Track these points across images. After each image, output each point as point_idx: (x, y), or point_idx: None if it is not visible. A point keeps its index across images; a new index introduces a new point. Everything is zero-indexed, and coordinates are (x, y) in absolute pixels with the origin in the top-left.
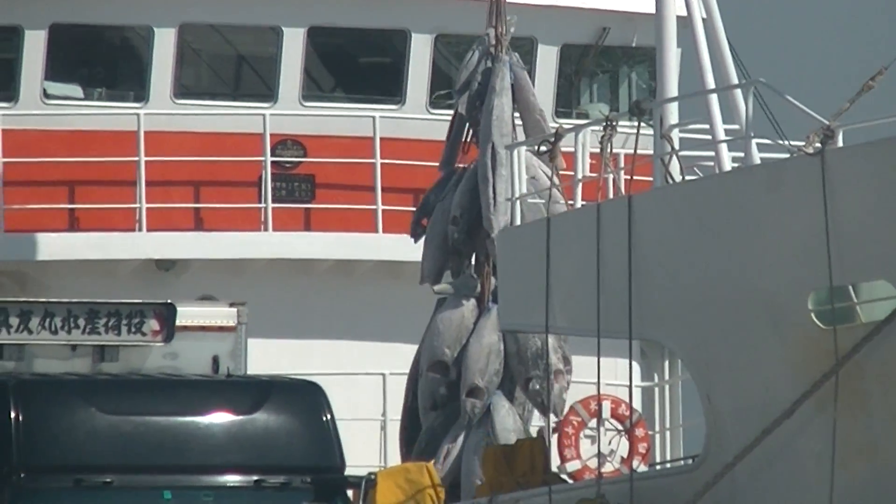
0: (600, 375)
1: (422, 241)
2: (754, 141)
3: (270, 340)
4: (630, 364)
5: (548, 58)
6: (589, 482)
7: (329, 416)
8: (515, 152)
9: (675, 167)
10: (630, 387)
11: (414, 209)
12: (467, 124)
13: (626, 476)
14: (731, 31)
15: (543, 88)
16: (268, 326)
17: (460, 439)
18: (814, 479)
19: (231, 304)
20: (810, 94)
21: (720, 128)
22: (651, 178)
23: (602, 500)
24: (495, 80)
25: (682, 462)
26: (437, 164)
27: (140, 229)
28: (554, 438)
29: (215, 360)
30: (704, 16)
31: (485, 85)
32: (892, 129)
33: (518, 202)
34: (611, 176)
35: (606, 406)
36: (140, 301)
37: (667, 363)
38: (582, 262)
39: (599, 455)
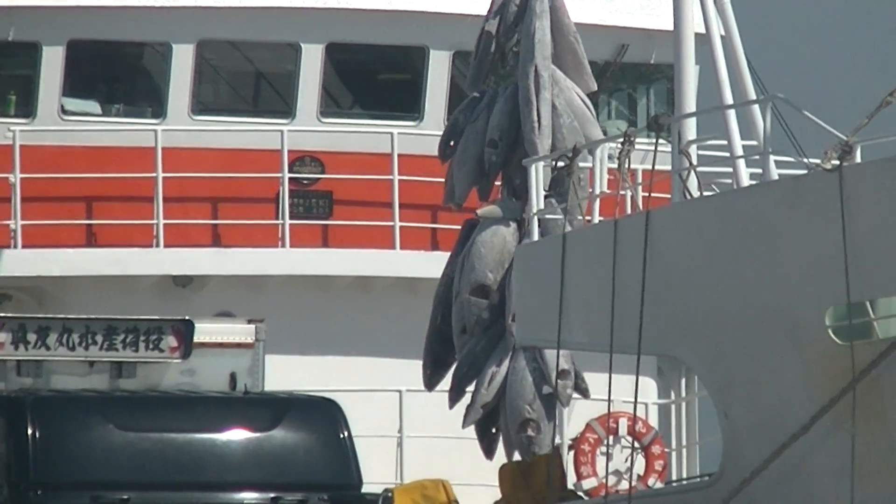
0: (611, 392)
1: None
2: (772, 157)
3: (288, 357)
4: (637, 380)
5: None
6: (599, 500)
7: (346, 433)
8: (533, 168)
9: (692, 183)
10: (635, 403)
11: (431, 226)
12: (494, 45)
13: (640, 492)
14: (749, 48)
15: None
16: (285, 343)
17: (505, 363)
18: (833, 496)
19: (249, 321)
20: (829, 109)
21: (738, 144)
22: (669, 195)
23: None
24: (535, 2)
25: (698, 479)
26: None
27: (157, 245)
28: (570, 455)
29: (233, 377)
30: (723, 32)
31: (522, 7)
32: None
33: (535, 217)
34: (628, 192)
35: (623, 423)
36: (158, 317)
37: (684, 380)
38: (598, 279)
39: (608, 473)
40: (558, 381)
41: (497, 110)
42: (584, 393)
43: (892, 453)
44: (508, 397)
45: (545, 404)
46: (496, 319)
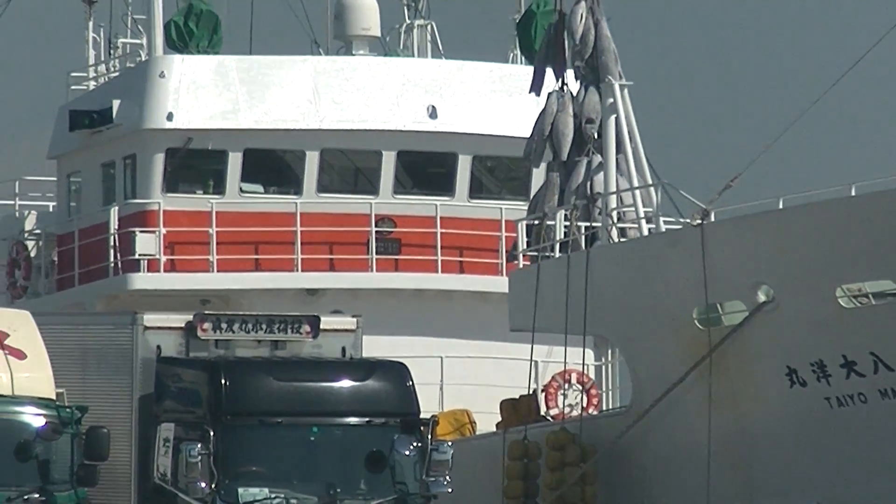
0: (566, 357)
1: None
2: (661, 217)
3: (375, 337)
4: (584, 350)
5: None
6: (559, 422)
7: (411, 382)
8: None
9: (614, 232)
10: (583, 364)
11: (460, 259)
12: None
13: (583, 416)
14: (647, 146)
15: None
16: (374, 329)
17: None
18: (696, 419)
19: (352, 316)
20: (698, 183)
21: (641, 209)
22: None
23: (566, 432)
24: (605, 30)
25: (618, 409)
26: (474, 232)
27: (297, 270)
28: (542, 395)
29: (343, 349)
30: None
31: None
32: (741, 212)
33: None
34: (573, 236)
35: (574, 376)
36: (298, 314)
37: (610, 350)
38: (559, 288)
39: (564, 405)
40: None
41: (588, 100)
42: None
43: (731, 394)
44: None
45: None
46: None
